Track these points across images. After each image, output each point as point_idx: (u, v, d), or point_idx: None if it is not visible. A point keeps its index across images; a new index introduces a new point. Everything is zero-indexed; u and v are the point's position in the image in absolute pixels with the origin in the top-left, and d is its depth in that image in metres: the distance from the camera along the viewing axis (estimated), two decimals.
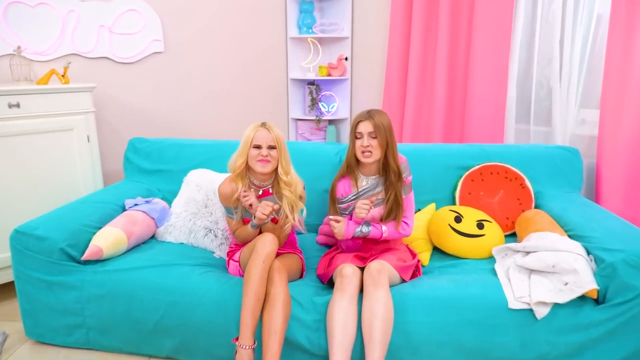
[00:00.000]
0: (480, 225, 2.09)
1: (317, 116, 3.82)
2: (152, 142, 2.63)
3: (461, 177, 2.32)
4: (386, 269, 1.75)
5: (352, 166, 1.95)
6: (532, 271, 1.79)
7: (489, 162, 2.32)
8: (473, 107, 2.97)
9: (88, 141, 2.51)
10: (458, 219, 2.11)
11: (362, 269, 1.82)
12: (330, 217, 1.87)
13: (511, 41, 2.83)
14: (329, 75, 3.78)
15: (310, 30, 3.71)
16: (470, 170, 2.31)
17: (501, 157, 2.36)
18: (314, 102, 3.87)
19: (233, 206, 1.92)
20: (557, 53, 2.67)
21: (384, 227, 1.89)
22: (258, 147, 1.86)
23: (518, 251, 1.90)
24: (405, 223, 1.91)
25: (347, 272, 1.73)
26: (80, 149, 2.48)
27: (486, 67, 2.89)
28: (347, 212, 1.96)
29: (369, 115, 1.88)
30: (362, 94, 3.82)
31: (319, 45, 3.84)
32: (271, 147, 1.86)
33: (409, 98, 3.30)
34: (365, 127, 1.85)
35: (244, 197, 1.85)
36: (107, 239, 1.95)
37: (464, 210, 2.18)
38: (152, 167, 2.58)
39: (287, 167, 1.89)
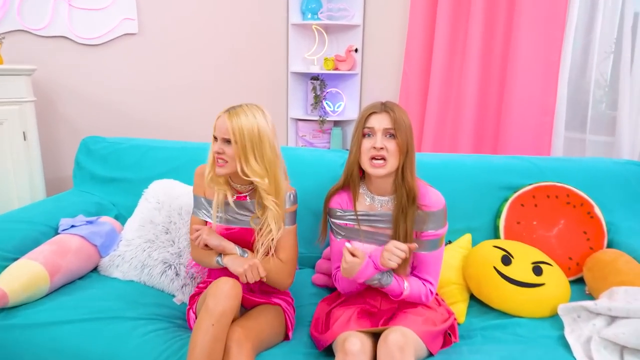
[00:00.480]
0: (537, 270, 1.52)
1: (320, 116, 3.30)
2: (111, 143, 2.08)
3: (507, 200, 1.75)
4: (411, 343, 1.18)
5: (354, 179, 1.40)
6: (624, 348, 1.22)
7: (544, 181, 1.75)
8: (512, 109, 2.40)
9: (24, 139, 1.97)
10: (506, 260, 1.54)
11: (373, 333, 1.26)
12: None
13: (565, 25, 2.26)
14: (336, 69, 3.28)
15: (316, 16, 3.22)
16: (519, 192, 1.74)
17: (559, 175, 1.79)
18: (318, 100, 3.36)
19: (205, 197, 1.46)
20: (627, 42, 2.09)
21: (405, 284, 1.34)
22: (215, 140, 1.38)
23: (599, 314, 1.34)
24: (429, 286, 1.38)
25: (352, 347, 1.17)
26: (12, 148, 1.93)
27: (531, 59, 2.33)
28: (342, 234, 1.42)
29: (385, 107, 1.34)
30: (374, 92, 3.29)
31: (325, 34, 3.32)
32: (225, 141, 1.35)
33: (431, 98, 2.73)
34: (379, 121, 1.32)
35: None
36: (18, 278, 1.39)
37: (513, 246, 1.61)
38: (108, 175, 2.03)
39: (258, 168, 1.35)
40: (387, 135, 1.31)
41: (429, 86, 2.75)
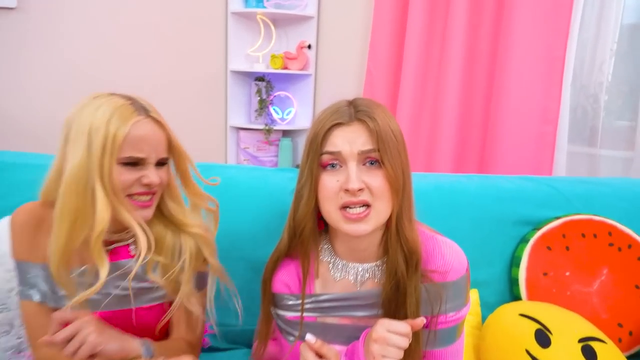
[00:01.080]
0: (588, 352, 1.00)
1: (266, 125, 2.73)
2: None
3: (526, 241, 1.24)
4: None
5: (307, 239, 0.85)
6: None
7: (575, 213, 1.26)
8: (504, 117, 1.92)
9: None
10: (543, 338, 1.02)
11: None
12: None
13: (571, 16, 1.81)
14: (285, 68, 2.72)
15: (261, 4, 2.68)
16: (543, 230, 1.23)
17: (593, 204, 1.31)
18: (264, 106, 2.79)
19: (44, 264, 0.84)
20: None
21: None
22: (135, 163, 0.83)
23: None
24: None
25: None
26: None
27: (528, 54, 1.86)
28: (296, 334, 0.86)
29: (357, 111, 0.80)
30: (331, 96, 2.71)
31: (272, 26, 2.76)
32: (160, 163, 0.88)
33: (402, 103, 2.22)
34: (350, 140, 0.78)
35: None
36: None
37: (547, 313, 1.09)
38: None
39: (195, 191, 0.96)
40: (367, 163, 0.78)
41: (400, 88, 2.23)
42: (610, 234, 1.22)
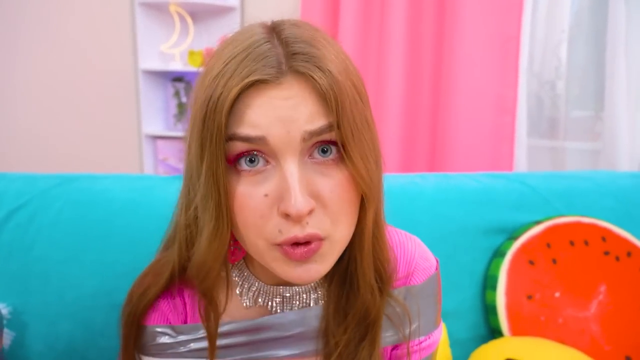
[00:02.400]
0: None
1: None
2: None
3: (502, 255, 0.95)
4: None
5: (210, 281, 0.49)
6: None
7: (559, 216, 0.99)
8: (454, 107, 1.67)
9: None
10: None
11: None
12: None
13: None
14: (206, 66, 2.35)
15: None
16: (522, 240, 0.95)
17: (578, 204, 1.05)
18: (183, 110, 2.42)
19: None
20: (620, 10, 1.46)
21: None
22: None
23: None
24: None
25: None
26: None
27: (480, 33, 1.62)
28: None
29: (287, 50, 0.43)
30: None
31: (188, 20, 2.40)
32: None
33: None
34: (282, 111, 0.42)
35: None
36: None
37: (540, 353, 0.80)
38: None
39: None
40: (316, 152, 0.44)
41: None
42: (604, 239, 0.96)
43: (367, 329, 0.50)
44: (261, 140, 0.42)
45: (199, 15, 2.46)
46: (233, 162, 0.44)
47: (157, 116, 2.50)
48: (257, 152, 0.43)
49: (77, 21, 2.23)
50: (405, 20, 1.68)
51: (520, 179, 1.10)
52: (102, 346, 0.82)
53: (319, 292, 0.53)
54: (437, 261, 0.58)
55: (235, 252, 0.53)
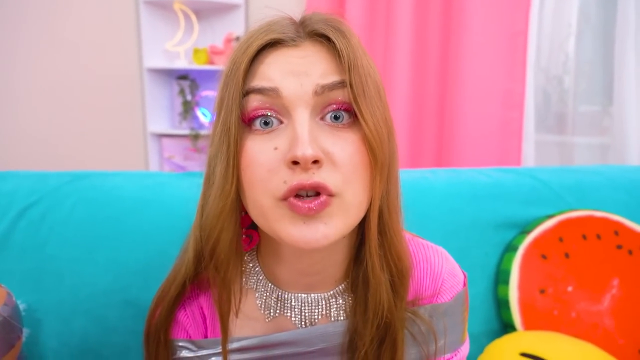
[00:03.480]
0: None
1: (193, 129, 2.36)
2: None
3: (515, 250, 0.95)
4: None
5: (224, 256, 0.47)
6: None
7: (571, 210, 0.99)
8: (461, 102, 1.66)
9: None
10: None
11: None
12: None
13: None
14: (211, 63, 2.38)
15: None
16: (534, 234, 0.95)
17: (590, 198, 1.05)
18: (189, 108, 2.43)
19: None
20: (630, 3, 1.45)
21: None
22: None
23: None
24: None
25: None
26: None
27: (488, 28, 1.61)
28: None
29: (313, 20, 0.47)
30: None
31: (192, 17, 2.40)
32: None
33: None
34: (296, 68, 0.44)
35: None
36: None
37: (554, 347, 0.80)
38: None
39: None
40: (329, 116, 0.45)
41: None
42: (616, 233, 0.96)
43: (390, 342, 0.49)
44: (274, 92, 0.43)
45: (203, 12, 2.45)
46: (248, 122, 0.45)
47: (162, 114, 2.51)
48: (271, 111, 0.44)
49: (82, 20, 2.23)
50: (411, 15, 1.67)
51: (530, 174, 1.09)
52: (115, 342, 0.82)
53: (340, 301, 0.52)
54: (465, 276, 0.57)
55: (247, 241, 0.52)
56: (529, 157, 1.65)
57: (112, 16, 2.30)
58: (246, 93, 0.44)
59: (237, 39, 2.41)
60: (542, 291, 0.92)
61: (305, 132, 0.42)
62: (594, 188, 1.07)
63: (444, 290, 0.53)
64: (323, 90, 0.43)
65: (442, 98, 1.72)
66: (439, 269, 0.53)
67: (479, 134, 1.64)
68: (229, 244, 0.47)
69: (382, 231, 0.48)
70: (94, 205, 0.86)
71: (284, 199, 0.43)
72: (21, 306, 0.72)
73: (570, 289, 0.92)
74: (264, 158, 0.43)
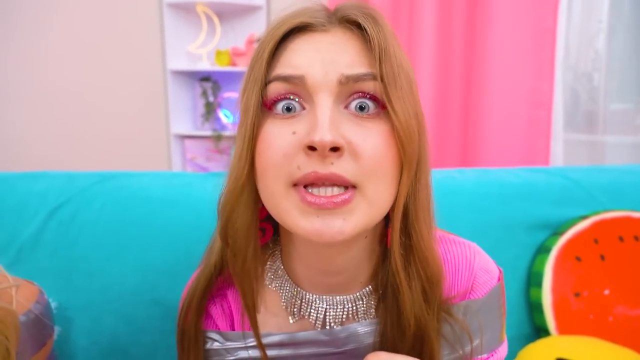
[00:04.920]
0: None
1: (215, 131, 2.37)
2: None
3: (547, 251, 0.92)
4: None
5: (242, 245, 0.46)
6: None
7: (605, 211, 0.96)
8: (486, 100, 1.63)
9: None
10: None
11: None
12: None
13: None
14: (233, 65, 2.39)
15: None
16: (568, 235, 0.92)
17: (625, 197, 1.01)
18: (211, 109, 2.45)
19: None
20: None
21: None
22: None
23: None
24: None
25: None
26: None
27: (514, 25, 1.58)
28: None
29: (345, 8, 0.45)
30: None
31: (215, 20, 2.42)
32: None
33: None
34: (324, 54, 0.42)
35: None
36: None
37: (592, 352, 0.77)
38: None
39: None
40: (354, 105, 0.43)
41: None
42: None
43: (422, 344, 0.47)
44: (300, 79, 0.42)
45: (225, 15, 2.47)
46: (270, 106, 0.44)
47: (185, 116, 2.53)
48: (294, 95, 0.43)
49: (107, 23, 2.26)
50: (436, 11, 1.65)
51: (562, 173, 1.06)
52: (143, 342, 0.82)
53: (366, 303, 0.50)
54: (500, 271, 0.55)
55: (260, 234, 0.51)
56: (558, 157, 1.61)
57: (136, 19, 2.33)
58: (271, 80, 0.43)
59: (259, 40, 2.43)
60: (576, 294, 0.89)
61: (326, 118, 0.40)
62: (629, 188, 1.04)
63: (477, 285, 0.51)
64: (347, 80, 0.42)
65: (467, 96, 1.69)
66: (471, 264, 0.52)
67: (505, 134, 1.61)
68: (246, 230, 0.46)
69: (407, 233, 0.46)
70: (122, 206, 0.87)
71: (295, 185, 0.41)
72: (52, 304, 0.72)
73: (606, 292, 0.89)
74: (281, 142, 0.42)
